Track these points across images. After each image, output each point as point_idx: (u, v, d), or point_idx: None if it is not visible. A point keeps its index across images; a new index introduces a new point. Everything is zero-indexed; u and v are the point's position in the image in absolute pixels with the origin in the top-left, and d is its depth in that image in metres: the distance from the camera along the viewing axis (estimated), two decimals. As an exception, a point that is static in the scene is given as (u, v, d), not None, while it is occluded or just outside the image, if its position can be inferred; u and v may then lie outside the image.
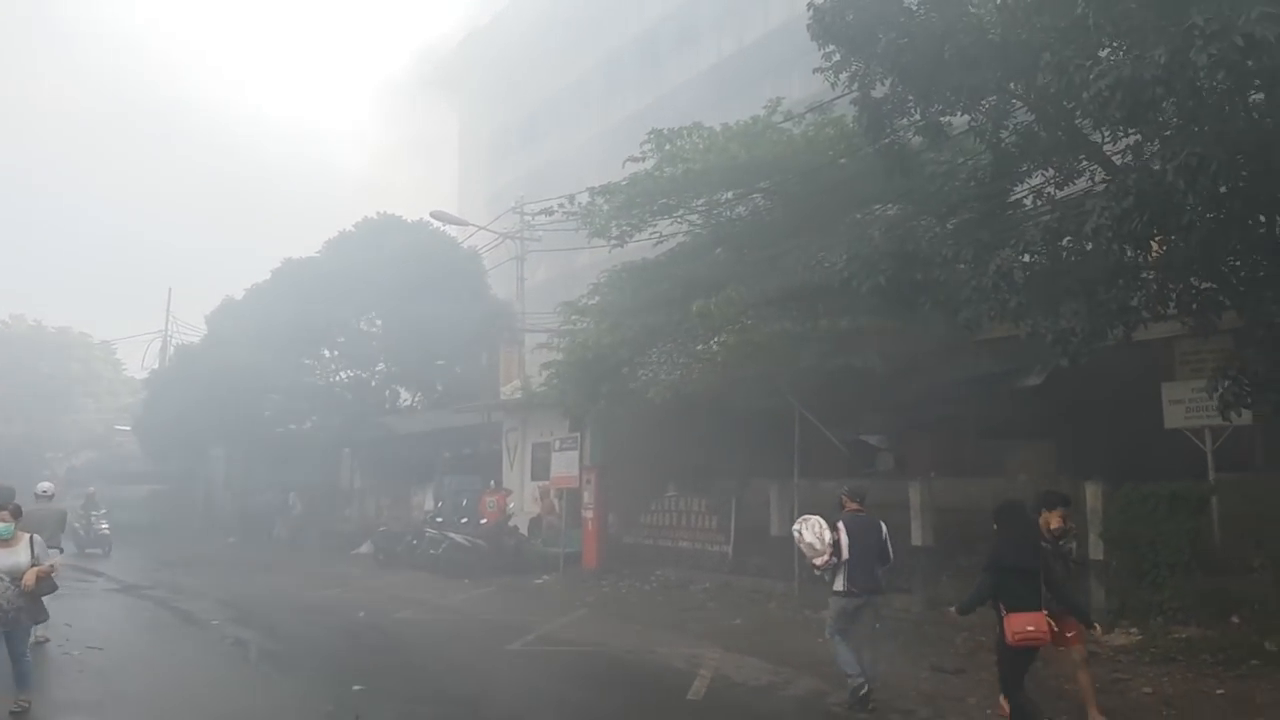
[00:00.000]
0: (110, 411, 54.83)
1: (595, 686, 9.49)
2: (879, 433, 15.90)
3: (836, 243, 10.38)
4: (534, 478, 21.37)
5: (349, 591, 16.58)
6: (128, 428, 46.19)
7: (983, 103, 9.51)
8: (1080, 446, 13.38)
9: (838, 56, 9.88)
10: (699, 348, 11.91)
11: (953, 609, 8.36)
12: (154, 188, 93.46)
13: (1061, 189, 10.11)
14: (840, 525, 8.17)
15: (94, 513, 24.70)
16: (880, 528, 8.32)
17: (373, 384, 29.72)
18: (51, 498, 12.75)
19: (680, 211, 14.40)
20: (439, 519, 20.74)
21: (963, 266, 9.40)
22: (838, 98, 13.43)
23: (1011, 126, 9.69)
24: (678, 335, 12.64)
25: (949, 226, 9.60)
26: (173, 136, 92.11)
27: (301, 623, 13.35)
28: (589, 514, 17.19)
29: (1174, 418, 11.03)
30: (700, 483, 16.69)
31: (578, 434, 17.71)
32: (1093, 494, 10.48)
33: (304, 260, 28.42)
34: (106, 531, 24.33)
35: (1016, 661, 6.76)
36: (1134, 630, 9.77)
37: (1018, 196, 10.57)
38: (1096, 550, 10.31)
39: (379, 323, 28.42)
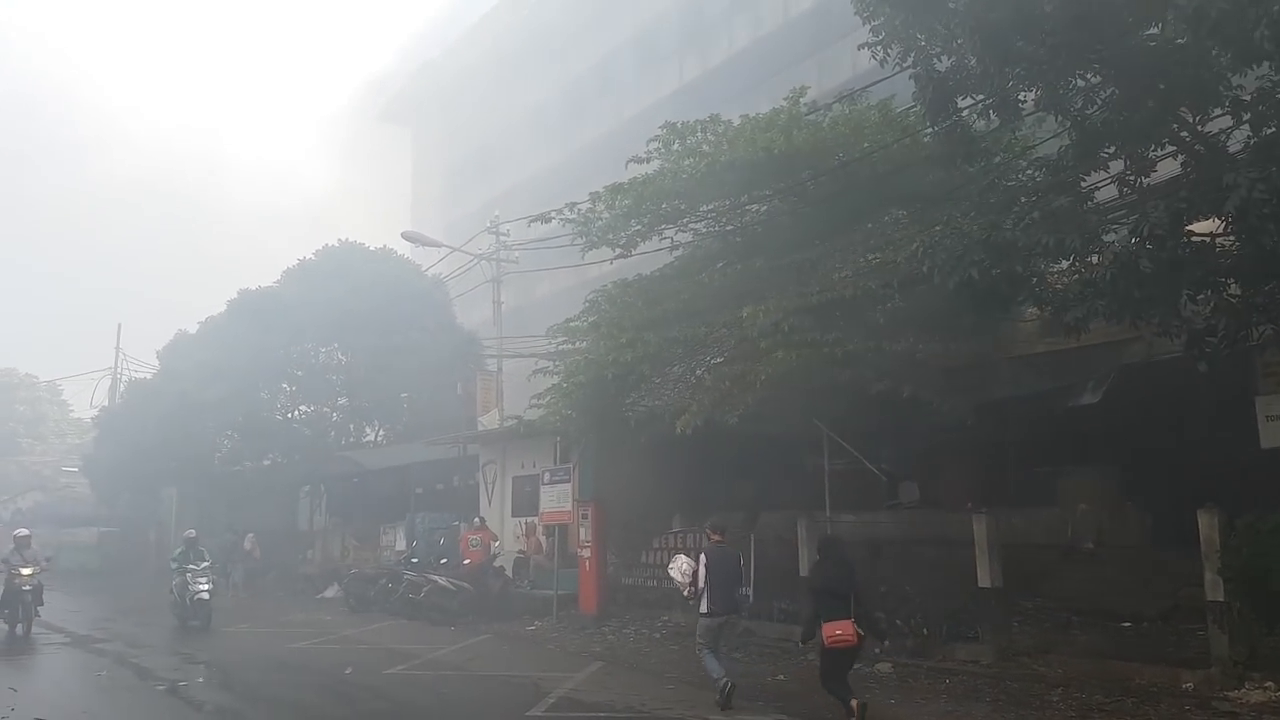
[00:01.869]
0: (57, 453, 50.90)
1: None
2: (899, 458, 14.02)
3: (895, 239, 8.50)
4: (515, 513, 19.06)
5: (325, 642, 14.09)
6: (75, 469, 42.43)
7: (1078, 72, 7.77)
8: (1145, 471, 11.70)
9: (887, 30, 8.10)
10: (732, 368, 9.76)
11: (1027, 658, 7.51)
12: (98, 225, 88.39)
13: (1144, 176, 8.43)
14: (702, 556, 9.31)
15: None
16: (738, 558, 9.65)
17: (334, 418, 27.01)
18: None
19: (686, 219, 12.46)
20: (414, 559, 18.29)
21: (1065, 262, 7.62)
22: (851, 92, 11.75)
23: (1102, 100, 7.96)
24: (706, 351, 10.53)
25: (1034, 216, 7.75)
26: (115, 170, 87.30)
27: (284, 683, 10.90)
28: (586, 553, 14.95)
29: (1275, 435, 9.34)
30: (720, 516, 14.58)
31: (569, 465, 15.50)
32: (1207, 524, 8.60)
33: (261, 291, 25.74)
34: (28, 588, 15.73)
35: (833, 660, 8.28)
36: (1270, 684, 7.93)
37: (1095, 185, 8.80)
38: (1215, 590, 8.45)
39: (341, 355, 25.80)
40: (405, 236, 20.39)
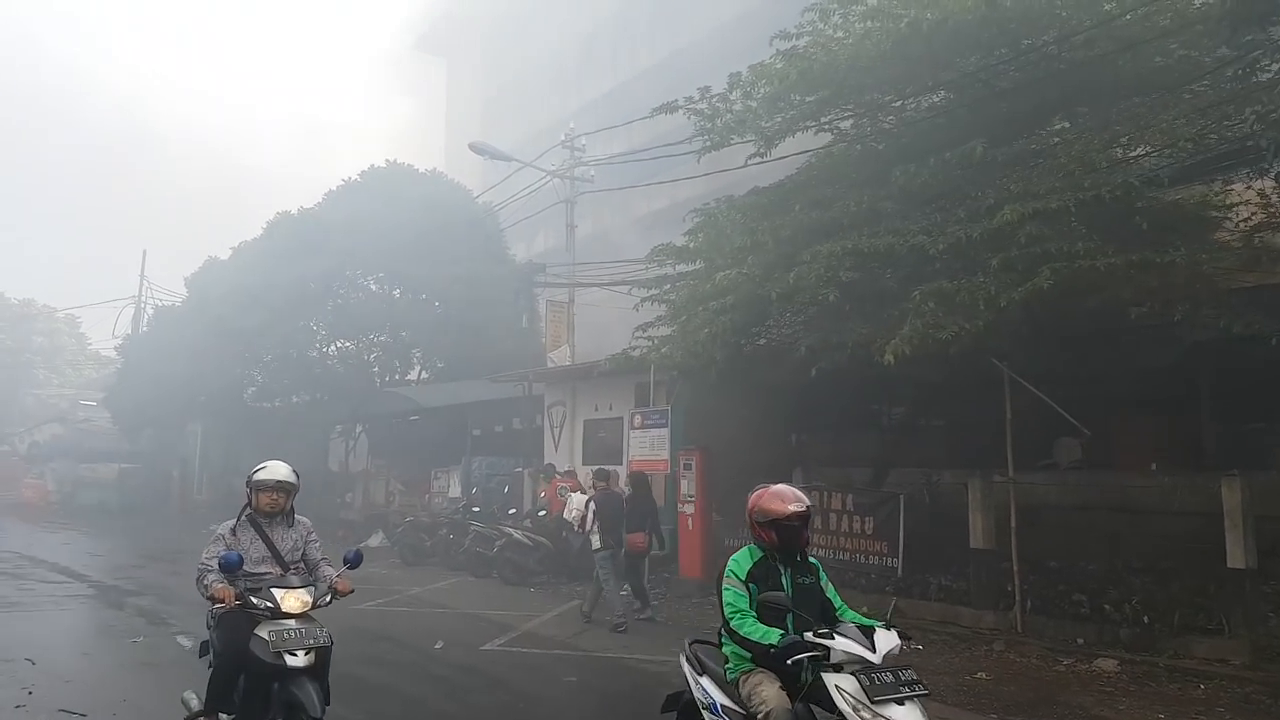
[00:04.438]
0: (74, 386, 49.12)
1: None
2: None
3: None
4: (586, 461, 16.88)
5: (393, 603, 12.04)
6: (94, 403, 40.54)
7: None
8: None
9: None
10: (951, 285, 7.34)
11: None
12: (127, 165, 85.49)
13: None
14: (590, 502, 11.02)
15: None
16: (621, 501, 11.03)
17: (371, 355, 24.75)
18: None
19: (839, 110, 10.01)
20: (475, 509, 16.20)
21: None
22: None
23: None
24: (891, 266, 8.10)
25: None
26: (144, 95, 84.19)
27: (365, 659, 8.65)
28: (690, 508, 12.77)
29: None
30: (839, 472, 12.41)
31: (666, 408, 13.26)
32: None
33: (302, 213, 23.33)
34: None
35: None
36: None
37: None
38: None
39: (387, 284, 23.43)
40: (473, 147, 17.89)
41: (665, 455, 13.09)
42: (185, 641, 9.43)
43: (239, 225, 58.19)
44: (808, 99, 9.88)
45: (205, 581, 4.92)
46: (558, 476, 14.99)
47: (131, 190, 79.81)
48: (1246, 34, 7.16)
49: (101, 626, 10.59)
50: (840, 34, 9.45)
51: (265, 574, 5.03)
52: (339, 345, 25.05)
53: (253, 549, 5.10)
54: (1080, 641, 9.06)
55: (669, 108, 10.34)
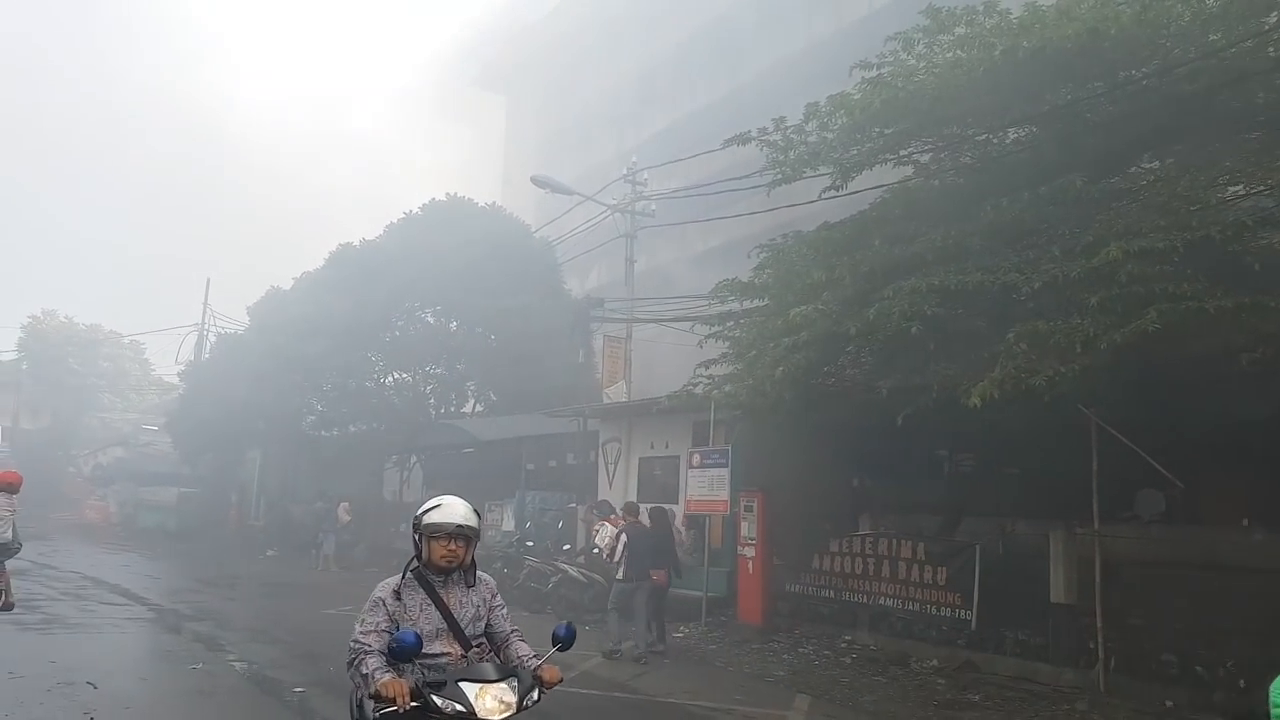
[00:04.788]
0: (138, 411, 50.40)
1: None
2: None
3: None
4: (640, 498, 16.61)
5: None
6: (155, 427, 41.50)
7: None
8: None
9: None
10: (1046, 326, 6.98)
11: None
12: (190, 186, 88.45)
13: None
14: (622, 535, 11.08)
15: None
16: (649, 534, 11.14)
17: (426, 389, 24.89)
18: None
19: (913, 146, 9.78)
20: (529, 543, 16.02)
21: None
22: None
23: None
24: (974, 301, 7.75)
25: None
26: (209, 131, 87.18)
27: None
28: (750, 551, 12.43)
29: None
30: (906, 519, 11.98)
31: (727, 447, 12.98)
32: None
33: (363, 245, 23.70)
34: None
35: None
36: None
37: None
38: None
39: (444, 316, 23.61)
40: (535, 181, 18.01)
41: (725, 496, 12.78)
42: (240, 666, 9.38)
43: (301, 256, 59.52)
44: (886, 131, 9.66)
45: (365, 670, 3.40)
46: (614, 515, 14.74)
47: (197, 220, 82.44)
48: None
49: (160, 651, 10.59)
50: (923, 64, 9.25)
51: (442, 655, 3.58)
52: (396, 376, 25.28)
53: (423, 619, 3.59)
54: (1169, 704, 8.53)
55: (742, 139, 10.21)
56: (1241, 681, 8.24)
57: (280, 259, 64.13)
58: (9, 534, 7.14)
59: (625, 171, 18.73)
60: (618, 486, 17.07)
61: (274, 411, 24.11)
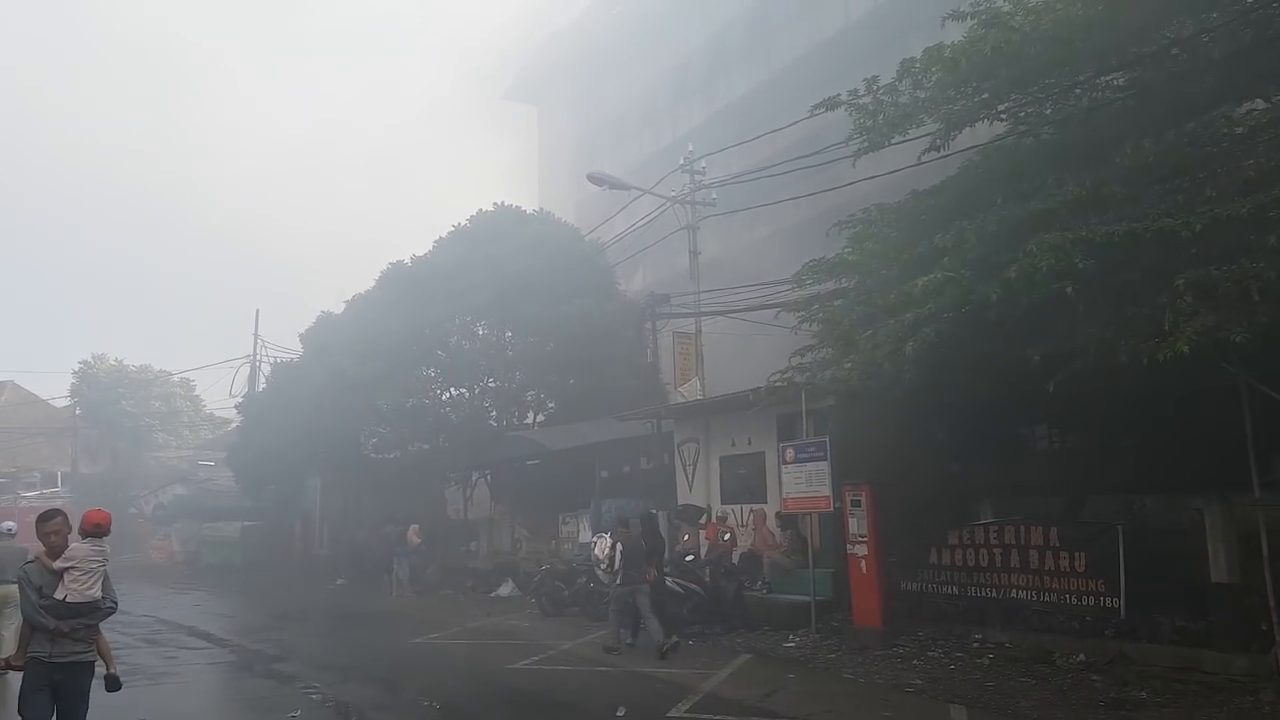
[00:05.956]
0: (191, 447, 50.90)
1: None
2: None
3: None
4: (724, 500, 16.03)
5: (548, 660, 11.34)
6: (212, 462, 41.78)
7: None
8: None
9: None
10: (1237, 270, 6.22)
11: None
12: (224, 224, 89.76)
13: None
14: (618, 544, 12.14)
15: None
16: (642, 542, 12.11)
17: (485, 402, 24.49)
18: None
19: (1021, 96, 9.06)
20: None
21: None
22: None
23: None
24: (1128, 254, 7.00)
25: None
26: (234, 158, 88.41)
27: None
28: (862, 550, 11.70)
29: None
30: (1025, 503, 11.21)
31: (824, 440, 12.29)
32: None
33: (415, 262, 23.39)
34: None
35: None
36: None
37: None
38: None
39: (498, 327, 23.20)
40: (591, 178, 17.52)
41: (826, 491, 12.08)
42: (339, 709, 8.90)
43: (348, 280, 59.74)
44: (985, 84, 8.96)
45: None
46: (714, 520, 14.24)
47: (241, 250, 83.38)
48: None
49: (254, 698, 10.07)
50: (1018, 7, 8.54)
51: None
52: (453, 392, 24.92)
53: None
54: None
55: (830, 103, 9.58)
56: None
57: (328, 285, 64.61)
58: (97, 591, 5.43)
59: (682, 161, 18.14)
60: (698, 488, 16.47)
61: (334, 437, 23.87)
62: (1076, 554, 10.00)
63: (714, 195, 17.56)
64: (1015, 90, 8.96)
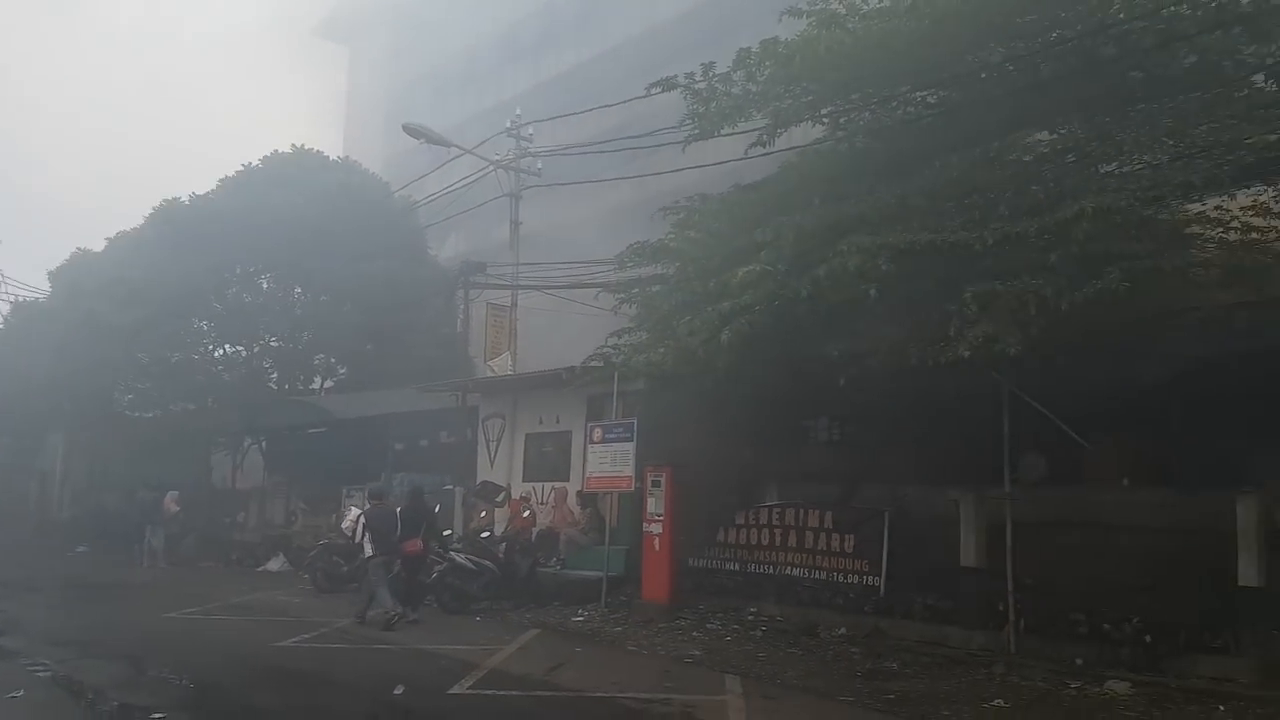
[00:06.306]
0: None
1: None
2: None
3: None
4: (528, 478, 15.94)
5: (323, 639, 10.76)
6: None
7: None
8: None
9: None
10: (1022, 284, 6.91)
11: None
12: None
13: None
14: (361, 516, 12.39)
15: None
16: (395, 514, 12.06)
17: (265, 363, 22.90)
18: None
19: (846, 102, 9.62)
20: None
21: None
22: None
23: None
24: (924, 261, 7.63)
25: None
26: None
27: (319, 715, 7.69)
28: (657, 528, 12.03)
29: None
30: (808, 488, 11.97)
31: (631, 421, 12.52)
32: None
33: (192, 201, 21.35)
34: None
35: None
36: None
37: None
38: None
39: (286, 281, 21.73)
40: (408, 129, 16.63)
41: (629, 471, 12.30)
42: (76, 691, 7.99)
43: (113, 218, 53.64)
44: (812, 86, 9.40)
45: None
46: (518, 497, 14.14)
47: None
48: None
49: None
50: (851, 12, 9.02)
51: None
52: (228, 349, 23.09)
53: None
54: (1079, 662, 8.85)
55: (667, 84, 9.68)
56: (1147, 637, 8.65)
57: (89, 221, 57.39)
58: None
59: (509, 125, 17.71)
60: (501, 465, 16.27)
61: (83, 389, 21.44)
62: (846, 536, 10.84)
63: (539, 165, 17.32)
64: (839, 95, 9.45)
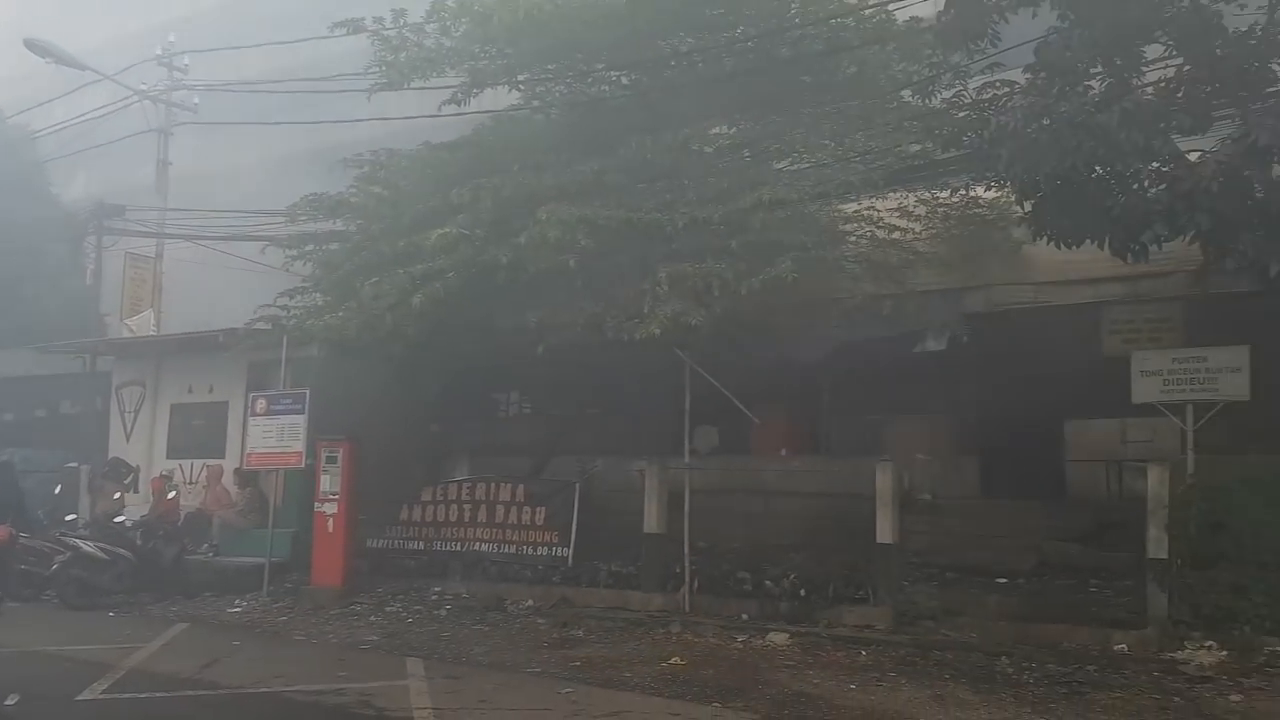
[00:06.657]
0: None
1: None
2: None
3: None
4: (172, 454, 14.17)
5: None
6: None
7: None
8: (974, 421, 11.58)
9: None
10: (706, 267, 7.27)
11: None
12: None
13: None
14: None
15: None
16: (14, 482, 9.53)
17: None
18: None
19: (542, 70, 9.63)
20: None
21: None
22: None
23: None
24: (623, 242, 7.81)
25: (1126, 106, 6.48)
26: None
27: None
28: (331, 508, 11.22)
29: (1147, 391, 9.44)
30: (497, 461, 11.90)
31: (304, 392, 11.55)
32: (1157, 479, 8.30)
33: None
34: None
35: None
36: (1212, 644, 7.78)
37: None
38: (1158, 548, 8.17)
39: None
40: (31, 45, 13.68)
41: (299, 447, 11.36)
42: None
43: None
44: (509, 49, 9.24)
45: None
46: (158, 475, 12.45)
47: None
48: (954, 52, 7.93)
49: None
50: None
51: None
52: None
53: None
54: (745, 617, 9.69)
55: (353, 26, 8.95)
56: (802, 591, 9.70)
57: None
58: None
59: (160, 52, 15.42)
60: (139, 439, 14.31)
61: None
62: (538, 509, 10.96)
63: (196, 100, 15.31)
64: (536, 63, 9.37)
